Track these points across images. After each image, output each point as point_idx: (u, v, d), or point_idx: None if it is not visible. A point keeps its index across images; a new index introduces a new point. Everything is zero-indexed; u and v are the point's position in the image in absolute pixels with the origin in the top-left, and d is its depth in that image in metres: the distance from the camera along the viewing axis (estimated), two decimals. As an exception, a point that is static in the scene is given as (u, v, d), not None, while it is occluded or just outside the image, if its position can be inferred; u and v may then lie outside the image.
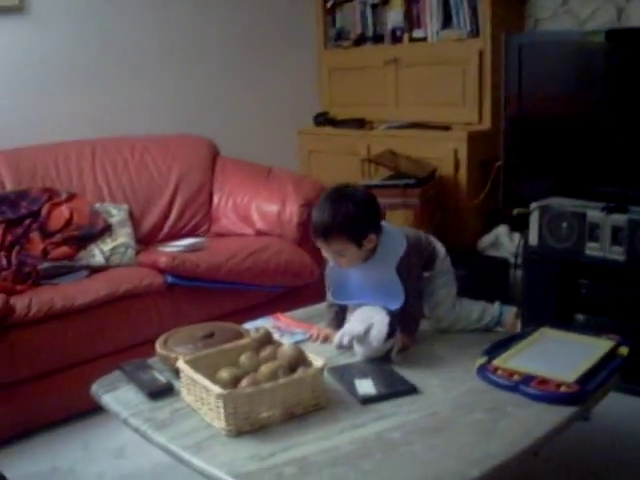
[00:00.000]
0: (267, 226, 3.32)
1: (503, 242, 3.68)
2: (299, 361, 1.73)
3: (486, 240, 3.74)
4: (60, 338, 2.53)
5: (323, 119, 4.51)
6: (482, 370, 1.86)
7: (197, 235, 3.41)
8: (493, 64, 3.62)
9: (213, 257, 2.92)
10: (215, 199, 3.51)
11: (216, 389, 1.58)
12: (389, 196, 3.44)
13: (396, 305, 1.96)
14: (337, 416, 1.66)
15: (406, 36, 4.03)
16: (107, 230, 3.03)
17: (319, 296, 3.26)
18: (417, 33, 3.99)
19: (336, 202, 1.95)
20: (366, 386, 1.78)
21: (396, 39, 4.10)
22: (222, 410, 1.57)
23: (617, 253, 2.75)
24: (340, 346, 1.93)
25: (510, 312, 2.25)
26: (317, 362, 1.71)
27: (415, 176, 3.45)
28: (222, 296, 2.93)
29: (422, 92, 4.00)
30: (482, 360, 1.90)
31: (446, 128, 3.83)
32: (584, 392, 1.73)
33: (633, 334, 2.78)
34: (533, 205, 2.94)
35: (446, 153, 3.74)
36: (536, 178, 3.19)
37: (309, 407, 1.68)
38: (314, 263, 3.16)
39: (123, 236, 3.05)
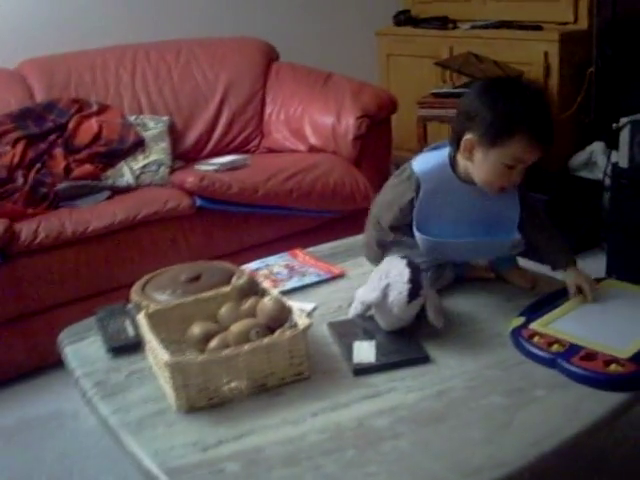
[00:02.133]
0: (320, 141, 2.97)
1: (598, 161, 3.18)
2: (281, 318, 1.42)
3: (579, 158, 3.25)
4: (72, 268, 2.31)
5: (404, 18, 4.04)
6: (516, 335, 1.48)
7: (246, 151, 3.10)
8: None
9: (250, 177, 2.61)
10: (267, 110, 3.17)
11: (164, 355, 1.30)
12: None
13: (514, 235, 1.60)
14: (319, 391, 1.35)
15: None
16: (139, 145, 2.76)
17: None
18: None
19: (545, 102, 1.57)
20: (365, 351, 1.44)
21: None
22: (170, 381, 1.29)
23: None
24: (358, 316, 1.57)
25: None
26: (301, 320, 1.39)
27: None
28: (260, 221, 2.63)
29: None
30: (518, 321, 1.52)
31: (537, 28, 3.30)
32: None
33: None
34: (623, 120, 2.45)
35: (536, 56, 3.23)
36: (634, 88, 2.67)
37: (288, 378, 1.37)
38: (369, 185, 2.80)
39: (157, 152, 2.78)
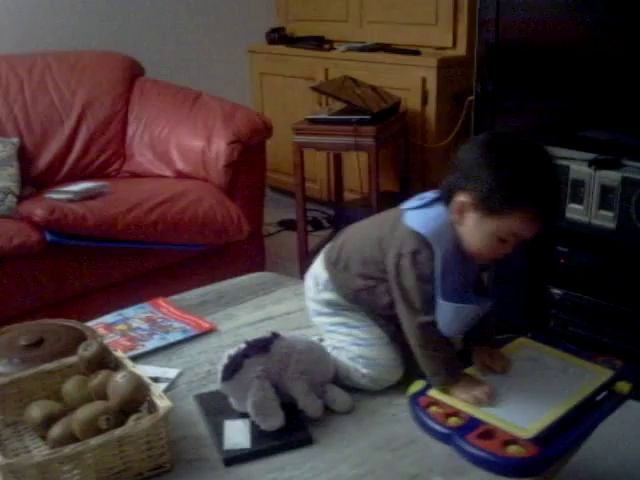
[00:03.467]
0: (189, 167, 2.76)
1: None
2: (137, 400, 1.20)
3: (455, 187, 3.18)
4: None
5: (277, 36, 3.89)
6: (412, 403, 1.33)
7: (106, 176, 2.83)
8: (471, -25, 2.98)
9: (109, 207, 2.35)
10: (130, 131, 2.92)
11: (-9, 456, 1.05)
12: (340, 134, 2.86)
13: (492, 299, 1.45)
14: (184, 488, 1.15)
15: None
16: (-20, 171, 2.45)
17: (248, 258, 2.76)
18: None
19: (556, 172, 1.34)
20: (238, 433, 1.25)
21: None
22: (-2, 488, 1.05)
23: (605, 219, 2.21)
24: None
25: None
26: (161, 402, 1.18)
27: (370, 110, 2.84)
28: (120, 257, 2.37)
29: (390, 8, 3.37)
30: (417, 386, 1.36)
31: (415, 52, 3.22)
32: (542, 460, 1.17)
33: (616, 317, 2.29)
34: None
35: (413, 82, 3.16)
36: (513, 117, 2.61)
37: (145, 473, 1.16)
38: (242, 215, 2.61)
39: (4, 179, 2.47)
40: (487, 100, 2.71)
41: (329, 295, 1.45)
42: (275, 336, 1.34)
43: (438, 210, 1.35)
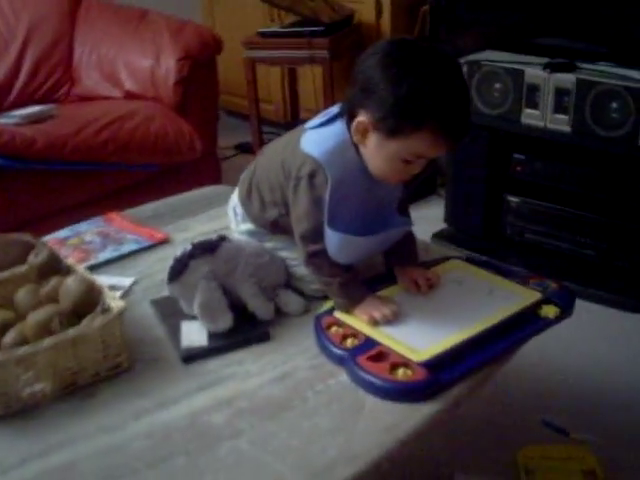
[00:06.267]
0: (138, 86, 2.70)
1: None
2: (90, 302, 1.18)
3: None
4: None
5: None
6: (315, 323, 1.25)
7: (54, 101, 2.75)
8: None
9: (58, 129, 2.30)
10: (76, 54, 2.83)
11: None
12: (293, 47, 2.81)
13: (409, 223, 1.37)
14: (142, 386, 1.14)
15: None
16: None
17: (205, 178, 2.71)
18: None
19: (464, 83, 1.19)
20: (195, 333, 1.24)
21: None
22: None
23: (561, 122, 2.21)
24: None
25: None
26: (114, 303, 1.17)
27: (323, 21, 2.79)
28: (71, 180, 2.32)
29: None
30: (326, 305, 1.29)
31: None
32: (428, 385, 1.09)
33: (573, 222, 2.32)
34: (460, 60, 2.35)
35: (366, -6, 3.08)
36: (470, 26, 2.58)
37: (102, 373, 1.15)
38: (195, 133, 2.57)
39: (-54, 103, 2.39)
40: (441, 9, 2.67)
41: (249, 226, 1.41)
42: (222, 238, 1.32)
43: (335, 129, 1.23)
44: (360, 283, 1.29)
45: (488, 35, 2.53)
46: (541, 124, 2.26)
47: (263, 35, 2.82)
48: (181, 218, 1.74)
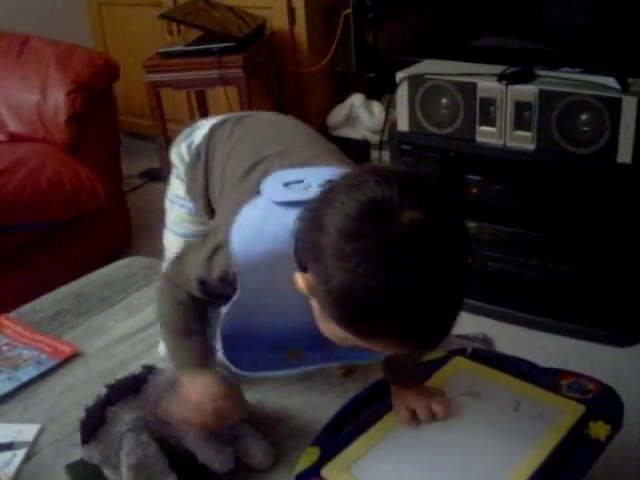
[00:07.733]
0: (24, 127, 2.32)
1: (360, 115, 2.81)
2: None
3: (338, 115, 2.86)
4: None
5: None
6: None
7: None
8: None
9: None
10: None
11: None
12: (201, 67, 2.44)
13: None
14: None
15: None
16: None
17: (111, 225, 2.34)
18: None
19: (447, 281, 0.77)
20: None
21: None
22: None
23: (523, 140, 1.94)
24: None
25: None
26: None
27: (232, 36, 2.42)
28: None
29: None
30: (311, 458, 0.95)
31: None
32: None
33: (542, 248, 2.06)
34: (400, 75, 2.05)
35: (277, -1, 2.74)
36: (400, 30, 2.28)
37: None
38: (95, 178, 2.19)
39: None
40: (366, 12, 2.36)
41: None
42: (148, 370, 0.98)
43: (285, 235, 0.85)
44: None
45: (426, 39, 2.24)
46: (499, 143, 1.98)
47: (165, 55, 2.44)
48: (91, 313, 1.38)
